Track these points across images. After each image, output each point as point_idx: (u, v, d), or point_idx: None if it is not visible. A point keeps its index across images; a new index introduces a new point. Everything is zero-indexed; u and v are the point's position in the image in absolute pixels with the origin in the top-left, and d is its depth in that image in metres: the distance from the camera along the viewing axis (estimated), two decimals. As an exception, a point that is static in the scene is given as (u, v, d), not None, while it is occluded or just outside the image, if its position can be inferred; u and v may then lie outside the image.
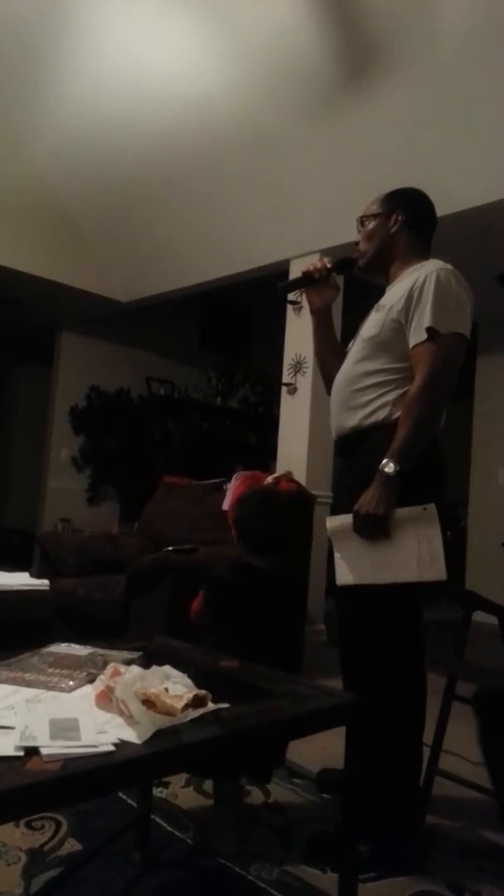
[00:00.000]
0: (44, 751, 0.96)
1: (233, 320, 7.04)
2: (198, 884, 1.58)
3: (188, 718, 1.10)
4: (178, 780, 2.03)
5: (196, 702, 1.13)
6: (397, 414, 1.73)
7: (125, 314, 5.98)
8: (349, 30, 3.19)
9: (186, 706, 1.10)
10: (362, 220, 1.97)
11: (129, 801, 1.85)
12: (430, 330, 1.70)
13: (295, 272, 4.37)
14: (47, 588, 2.20)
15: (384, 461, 1.65)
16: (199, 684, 1.20)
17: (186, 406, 6.85)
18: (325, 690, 1.39)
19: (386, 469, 1.64)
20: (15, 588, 2.14)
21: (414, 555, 1.65)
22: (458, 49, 3.04)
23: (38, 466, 6.38)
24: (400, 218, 1.90)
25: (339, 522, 1.75)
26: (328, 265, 2.03)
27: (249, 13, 3.33)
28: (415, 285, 1.76)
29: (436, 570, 1.64)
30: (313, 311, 2.11)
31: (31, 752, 0.96)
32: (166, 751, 1.04)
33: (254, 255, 4.54)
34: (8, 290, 5.13)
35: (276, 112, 3.73)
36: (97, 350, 6.45)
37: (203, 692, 1.16)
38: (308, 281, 2.05)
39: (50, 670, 1.34)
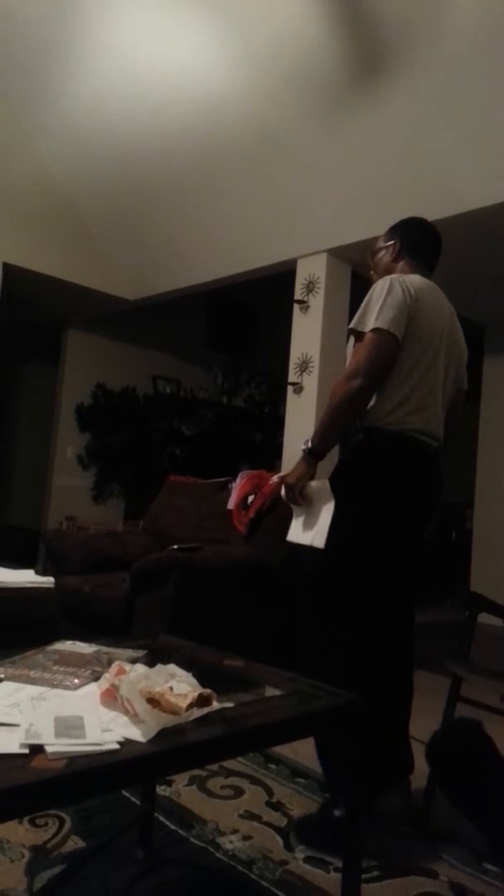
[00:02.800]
0: (48, 748, 0.96)
1: (239, 319, 7.05)
2: (201, 882, 1.58)
3: (193, 717, 1.10)
4: (181, 778, 2.03)
5: (201, 701, 1.13)
6: (372, 418, 1.94)
7: (132, 313, 5.99)
8: (356, 31, 3.19)
9: (191, 705, 1.10)
10: (373, 254, 2.17)
11: (132, 798, 1.85)
12: (350, 331, 1.94)
13: (302, 271, 4.37)
14: (52, 586, 2.20)
15: (307, 440, 1.93)
16: (203, 683, 1.20)
17: (192, 405, 6.85)
18: (329, 690, 1.39)
19: (302, 446, 1.93)
20: (20, 585, 2.15)
21: (312, 522, 1.93)
22: (465, 51, 3.03)
23: (44, 464, 6.39)
24: (397, 246, 2.10)
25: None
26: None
27: (257, 14, 3.33)
28: None
29: (317, 539, 1.89)
30: None
31: (36, 749, 0.96)
32: (170, 749, 1.04)
33: (260, 254, 4.54)
34: (16, 289, 5.15)
35: (283, 112, 3.73)
36: (104, 348, 6.46)
37: (208, 691, 1.16)
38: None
39: (55, 668, 1.34)
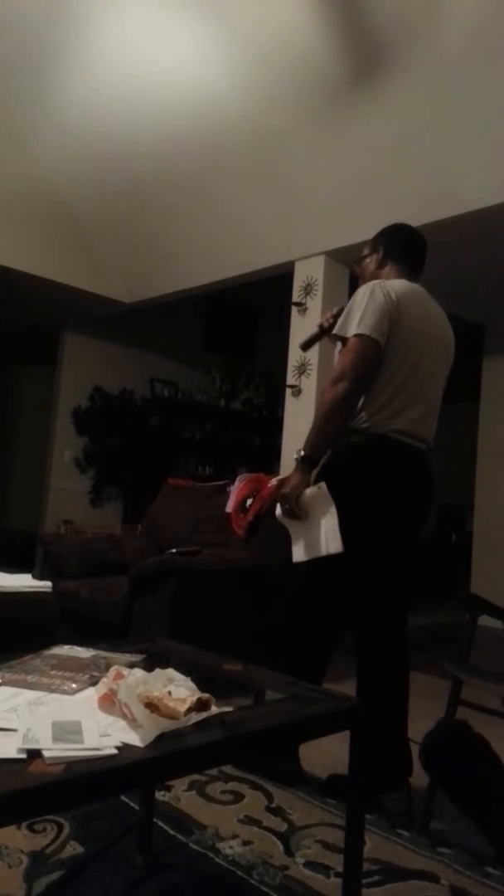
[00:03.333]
0: (46, 753, 0.96)
1: (237, 322, 7.05)
2: (200, 888, 1.57)
3: (191, 722, 1.10)
4: (180, 783, 2.02)
5: (199, 705, 1.12)
6: (356, 421, 1.98)
7: (129, 315, 5.98)
8: (354, 30, 3.19)
9: (189, 709, 1.10)
10: (359, 262, 2.23)
11: (131, 804, 1.84)
12: (334, 336, 1.98)
13: (300, 274, 4.38)
14: (50, 590, 2.20)
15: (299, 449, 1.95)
16: (202, 687, 1.19)
17: (190, 407, 6.85)
18: (330, 694, 1.38)
19: (295, 455, 1.95)
20: (18, 589, 2.14)
21: (317, 532, 1.90)
22: (464, 50, 3.03)
23: (41, 467, 6.38)
24: (380, 252, 2.16)
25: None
26: (334, 313, 2.18)
27: (255, 14, 3.33)
28: None
29: (333, 545, 1.87)
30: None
31: (34, 754, 0.96)
32: (169, 754, 1.04)
33: (258, 256, 4.54)
34: (12, 291, 5.14)
35: (281, 113, 3.73)
36: (101, 351, 6.46)
37: (206, 695, 1.15)
38: (323, 331, 2.23)
39: (53, 672, 1.33)
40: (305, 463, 1.93)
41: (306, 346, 2.44)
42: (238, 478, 3.51)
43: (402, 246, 2.17)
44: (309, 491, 1.92)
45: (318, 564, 1.95)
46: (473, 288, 4.71)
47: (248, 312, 7.08)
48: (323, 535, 1.90)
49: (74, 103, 4.35)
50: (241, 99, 3.78)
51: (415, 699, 2.29)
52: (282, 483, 2.03)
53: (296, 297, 4.38)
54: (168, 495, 3.89)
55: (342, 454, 1.99)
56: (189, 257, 4.94)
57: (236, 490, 3.41)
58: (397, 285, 2.00)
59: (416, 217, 3.64)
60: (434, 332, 2.07)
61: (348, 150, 3.68)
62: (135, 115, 4.21)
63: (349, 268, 4.36)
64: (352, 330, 1.92)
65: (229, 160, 4.14)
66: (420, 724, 2.27)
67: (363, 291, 1.96)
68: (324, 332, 2.22)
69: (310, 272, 4.31)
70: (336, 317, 2.15)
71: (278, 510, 2.01)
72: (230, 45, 3.56)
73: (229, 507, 3.37)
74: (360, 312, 1.92)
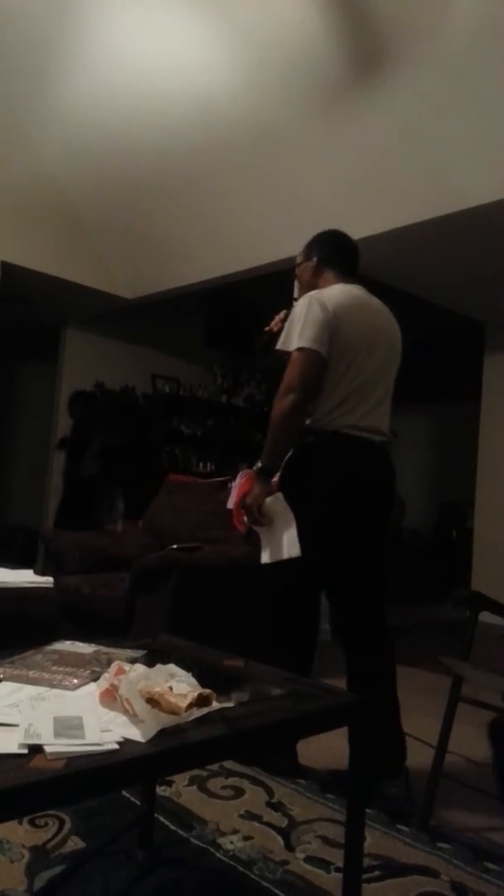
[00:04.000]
0: (48, 749, 0.96)
1: (238, 317, 7.03)
2: (201, 883, 1.58)
3: (192, 717, 1.10)
4: (181, 778, 2.02)
5: (200, 701, 1.12)
6: (310, 424, 2.09)
7: (131, 311, 5.97)
8: (356, 27, 3.18)
9: (191, 705, 1.10)
10: (295, 273, 2.36)
11: (132, 799, 1.85)
12: (278, 351, 2.08)
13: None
14: (51, 585, 2.20)
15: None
16: (203, 683, 1.19)
17: (192, 404, 6.84)
18: (330, 690, 1.39)
19: (254, 468, 2.08)
20: (19, 585, 2.14)
21: (278, 538, 2.03)
22: (465, 46, 3.02)
23: (43, 463, 6.38)
24: (315, 259, 2.27)
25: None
26: (282, 317, 2.32)
27: (255, 10, 3.32)
28: None
29: (293, 549, 2.00)
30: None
31: (35, 749, 0.96)
32: (170, 750, 1.04)
33: (260, 252, 4.52)
34: (14, 287, 5.13)
35: (283, 109, 3.72)
36: (102, 347, 6.45)
37: (207, 691, 1.15)
38: (273, 335, 2.32)
39: (54, 668, 1.33)
40: (263, 473, 2.06)
41: (262, 352, 2.49)
42: (239, 474, 3.50)
43: (334, 251, 2.29)
44: (269, 500, 2.05)
45: (287, 565, 2.05)
46: (475, 285, 4.70)
47: (249, 308, 7.07)
48: (284, 541, 2.02)
49: (76, 100, 4.34)
50: (242, 95, 3.77)
51: (415, 696, 2.30)
52: (245, 494, 2.13)
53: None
54: (169, 491, 3.89)
55: (300, 455, 2.10)
56: (191, 253, 4.93)
57: (237, 486, 3.41)
58: (333, 294, 2.10)
59: (418, 213, 3.65)
60: (376, 330, 2.16)
61: (350, 146, 3.67)
62: (137, 112, 4.20)
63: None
64: (293, 344, 2.03)
65: (231, 156, 4.13)
66: (420, 720, 2.28)
67: (300, 306, 2.07)
68: (274, 336, 2.29)
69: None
70: (284, 321, 2.26)
71: (245, 518, 2.13)
72: (232, 41, 3.55)
73: (230, 504, 3.37)
74: (300, 327, 2.03)
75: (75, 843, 1.64)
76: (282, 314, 2.36)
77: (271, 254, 4.48)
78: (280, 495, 2.05)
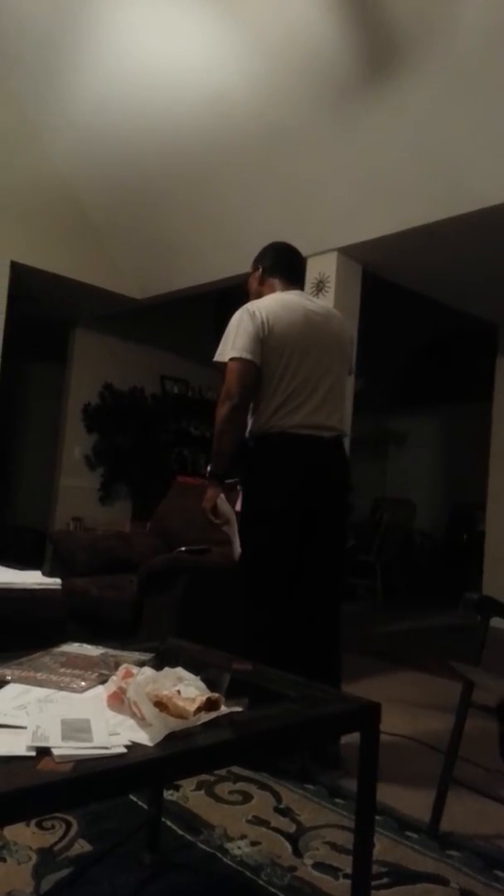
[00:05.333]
0: (55, 751, 0.95)
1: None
2: (208, 888, 1.56)
3: (201, 721, 1.08)
4: (188, 783, 2.01)
5: (209, 705, 1.11)
6: (256, 427, 2.26)
7: (140, 311, 5.98)
8: (368, 26, 3.17)
9: (199, 709, 1.09)
10: (245, 284, 2.50)
11: (139, 803, 1.84)
12: (215, 363, 2.23)
13: (312, 270, 4.35)
14: (59, 587, 2.19)
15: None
16: (211, 687, 1.18)
17: (201, 405, 6.84)
18: (339, 695, 1.37)
19: (206, 473, 2.26)
20: (27, 587, 2.14)
21: (233, 537, 2.25)
22: (476, 47, 3.01)
23: (51, 464, 6.39)
24: (260, 269, 2.44)
25: None
26: None
27: (266, 9, 3.32)
28: None
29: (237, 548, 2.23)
30: None
31: (43, 752, 0.95)
32: (178, 754, 1.03)
33: (270, 253, 4.51)
34: (23, 287, 5.15)
35: (294, 109, 3.71)
36: (111, 348, 6.46)
37: (216, 695, 1.14)
38: None
39: (62, 670, 1.33)
40: (213, 478, 2.24)
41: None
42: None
43: (278, 260, 2.45)
44: (220, 502, 2.24)
45: (250, 557, 2.26)
46: (488, 286, 4.68)
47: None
48: (236, 539, 2.23)
49: (86, 100, 4.36)
50: (252, 95, 3.76)
51: (426, 701, 2.28)
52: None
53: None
54: (178, 493, 3.88)
55: (254, 457, 2.25)
56: (200, 254, 4.93)
57: (246, 488, 3.40)
58: (264, 303, 2.25)
59: (428, 214, 3.63)
60: (312, 331, 2.26)
61: (360, 147, 3.66)
62: (146, 112, 4.21)
63: (361, 264, 4.36)
64: (227, 354, 2.19)
65: (241, 157, 4.13)
66: (429, 725, 2.26)
67: (234, 319, 2.23)
68: None
69: (322, 269, 4.29)
70: None
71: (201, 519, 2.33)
72: (242, 41, 3.55)
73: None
74: (233, 338, 2.18)
75: (82, 847, 1.63)
76: None
77: (281, 255, 4.47)
78: (222, 496, 2.24)
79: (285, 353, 2.20)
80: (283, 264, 2.45)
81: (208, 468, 2.24)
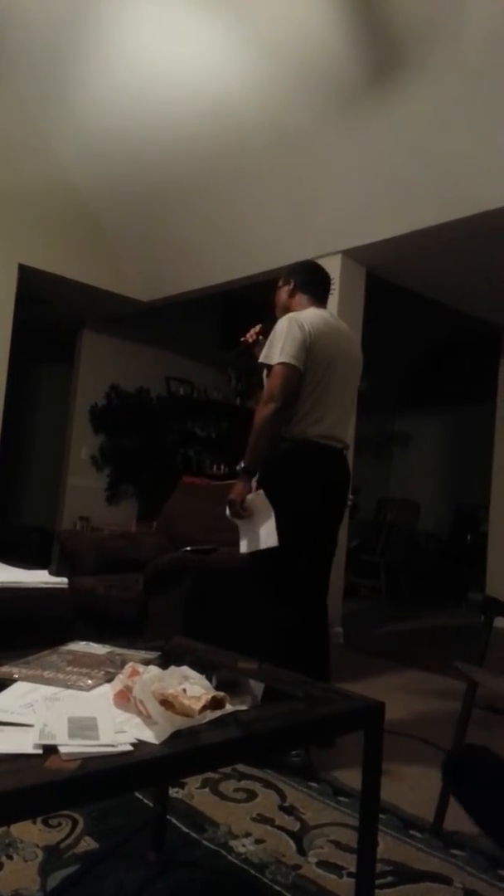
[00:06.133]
0: (62, 749, 0.96)
1: (253, 320, 7.04)
2: (213, 885, 1.58)
3: (206, 720, 1.10)
4: (194, 780, 2.03)
5: (214, 703, 1.12)
6: (283, 431, 2.36)
7: (146, 314, 6.00)
8: (373, 30, 3.17)
9: (204, 707, 1.10)
10: (274, 293, 2.63)
11: (145, 800, 1.85)
12: (261, 364, 2.34)
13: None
14: (66, 586, 2.21)
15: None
16: (217, 685, 1.19)
17: (206, 406, 6.85)
18: (344, 694, 1.38)
19: (238, 467, 2.30)
20: (34, 586, 2.16)
21: (257, 530, 2.29)
22: (481, 49, 3.01)
23: (59, 464, 6.42)
24: (291, 284, 2.57)
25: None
26: (258, 330, 2.70)
27: (273, 14, 3.32)
28: None
29: (270, 540, 2.25)
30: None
31: (50, 750, 0.96)
32: (184, 752, 1.04)
33: (275, 254, 4.52)
34: (32, 290, 5.18)
35: (299, 112, 3.72)
36: (117, 349, 6.48)
37: (221, 694, 1.15)
38: (248, 346, 2.73)
39: (69, 668, 1.34)
40: (246, 473, 2.31)
41: (234, 359, 2.75)
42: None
43: (309, 279, 2.58)
44: (251, 496, 2.29)
45: (262, 554, 2.31)
46: (490, 289, 4.68)
47: (264, 311, 7.08)
48: (263, 532, 2.28)
49: (94, 106, 4.37)
50: (258, 98, 3.77)
51: (430, 701, 2.28)
52: (229, 489, 2.37)
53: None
54: (183, 493, 3.90)
55: (276, 459, 2.35)
56: (206, 256, 4.95)
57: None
58: (309, 316, 2.38)
59: (433, 217, 3.64)
60: (342, 350, 2.44)
61: (365, 150, 3.66)
62: (153, 117, 4.22)
63: (365, 266, 4.36)
64: (275, 358, 2.29)
65: (246, 159, 4.14)
66: (434, 727, 2.27)
67: (282, 325, 2.33)
68: (248, 347, 2.70)
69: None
70: (260, 334, 2.65)
71: (227, 511, 2.35)
72: (249, 46, 3.56)
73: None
74: (282, 343, 2.28)
75: (88, 844, 1.64)
76: (257, 327, 2.71)
77: (287, 257, 4.45)
78: (262, 492, 2.29)
79: (321, 366, 2.34)
80: (315, 283, 2.58)
81: (240, 464, 2.31)
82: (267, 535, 2.29)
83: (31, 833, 1.66)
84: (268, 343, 2.35)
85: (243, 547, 2.37)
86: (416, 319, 5.84)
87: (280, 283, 2.63)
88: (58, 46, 4.10)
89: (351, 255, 4.23)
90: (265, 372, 2.41)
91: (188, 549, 2.96)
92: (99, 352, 6.39)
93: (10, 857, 1.56)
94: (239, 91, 3.80)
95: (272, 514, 2.28)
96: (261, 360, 2.36)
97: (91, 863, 1.57)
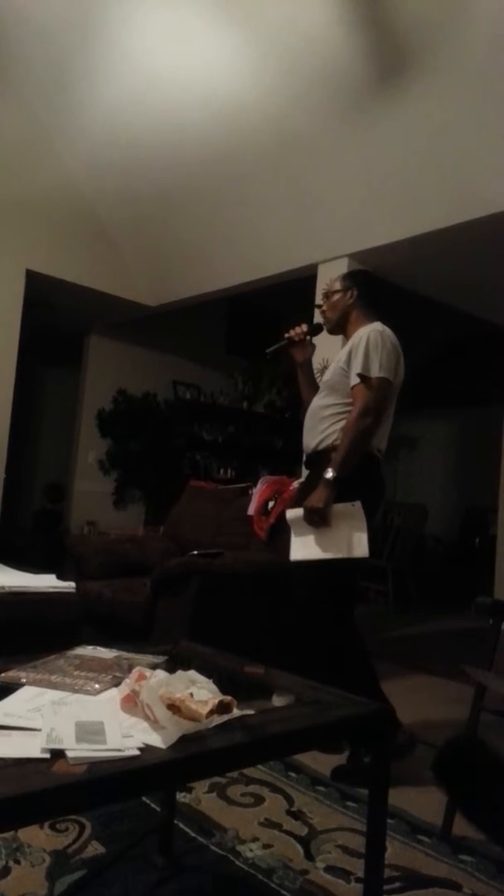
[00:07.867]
0: (70, 753, 0.96)
1: (260, 325, 7.05)
2: (220, 890, 1.57)
3: (213, 724, 1.10)
4: (201, 785, 2.02)
5: (221, 708, 1.12)
6: None
7: (153, 318, 6.02)
8: (380, 34, 3.18)
9: (211, 712, 1.10)
10: (328, 294, 2.57)
11: (152, 805, 1.85)
12: (360, 375, 2.26)
13: (323, 276, 4.36)
14: (74, 590, 2.21)
15: (327, 470, 2.22)
16: (224, 690, 1.19)
17: (213, 410, 6.86)
18: (352, 699, 1.38)
19: (326, 475, 2.22)
20: (42, 590, 2.16)
21: (345, 538, 2.22)
22: (489, 53, 3.00)
23: (66, 469, 6.43)
24: (354, 293, 2.49)
25: (294, 513, 2.33)
26: (305, 329, 2.63)
27: (279, 18, 3.33)
28: (355, 343, 2.33)
29: (360, 550, 2.21)
30: (298, 364, 2.68)
31: (57, 754, 0.97)
32: (191, 756, 1.04)
33: (282, 259, 4.53)
34: (38, 295, 5.20)
35: (305, 116, 3.73)
36: (125, 354, 6.50)
37: (228, 698, 1.15)
38: (291, 343, 2.65)
39: (76, 673, 1.34)
40: (336, 482, 2.23)
41: (272, 354, 2.69)
42: (260, 480, 3.51)
43: (372, 291, 2.55)
44: (341, 506, 2.22)
45: (331, 568, 2.26)
46: (499, 291, 4.66)
47: (271, 315, 7.08)
48: (348, 542, 2.22)
49: (100, 112, 4.39)
50: (264, 102, 3.78)
51: (438, 705, 2.27)
52: (305, 494, 2.32)
53: (318, 300, 4.36)
54: (190, 497, 3.90)
55: (359, 471, 2.29)
56: (212, 261, 4.96)
57: (258, 493, 3.41)
58: (391, 332, 2.36)
59: (441, 219, 3.63)
60: (403, 367, 2.43)
61: (372, 153, 3.67)
62: (160, 121, 4.24)
63: (372, 270, 4.35)
64: (375, 372, 2.26)
65: (253, 164, 4.15)
66: (441, 729, 2.26)
67: (376, 339, 2.29)
68: (291, 344, 2.63)
69: (333, 275, 4.29)
70: (307, 333, 2.61)
71: (290, 514, 2.34)
72: (254, 50, 3.57)
73: (251, 510, 3.37)
74: (380, 357, 2.26)
75: (95, 849, 1.64)
76: (304, 326, 2.63)
77: (293, 261, 4.49)
78: (359, 503, 2.24)
79: (399, 382, 2.38)
80: (375, 298, 2.54)
81: (328, 472, 2.23)
82: (356, 545, 2.23)
83: (38, 838, 1.66)
84: (360, 354, 2.28)
85: (298, 553, 2.30)
86: (423, 322, 5.82)
87: (338, 288, 2.55)
88: (64, 54, 4.12)
89: (358, 258, 4.23)
90: (354, 380, 2.30)
91: (195, 553, 2.96)
92: (106, 356, 6.41)
93: (17, 862, 1.56)
94: (245, 96, 3.81)
95: (365, 525, 2.23)
96: (360, 371, 2.28)
97: (98, 868, 1.57)
